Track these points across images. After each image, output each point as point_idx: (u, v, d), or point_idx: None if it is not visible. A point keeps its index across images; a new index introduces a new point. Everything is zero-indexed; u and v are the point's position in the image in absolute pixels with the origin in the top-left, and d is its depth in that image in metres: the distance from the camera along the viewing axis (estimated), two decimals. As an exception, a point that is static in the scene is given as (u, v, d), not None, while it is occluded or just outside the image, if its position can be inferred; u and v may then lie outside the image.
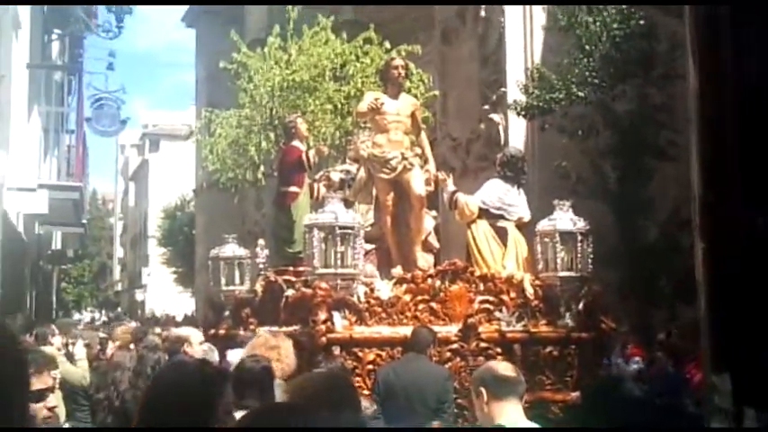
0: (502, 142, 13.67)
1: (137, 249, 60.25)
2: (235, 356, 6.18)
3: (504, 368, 3.74)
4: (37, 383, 2.59)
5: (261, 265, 11.01)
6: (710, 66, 1.09)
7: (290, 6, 15.72)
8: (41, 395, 2.59)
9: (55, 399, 2.89)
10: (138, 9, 12.15)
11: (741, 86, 1.04)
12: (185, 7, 33.92)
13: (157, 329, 15.32)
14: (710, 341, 1.05)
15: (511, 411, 3.54)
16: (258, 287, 9.32)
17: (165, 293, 45.76)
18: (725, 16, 1.07)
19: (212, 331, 9.14)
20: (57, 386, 3.68)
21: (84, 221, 15.53)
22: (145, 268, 53.57)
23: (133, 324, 17.48)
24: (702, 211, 1.08)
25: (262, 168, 15.83)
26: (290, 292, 8.02)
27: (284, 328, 7.32)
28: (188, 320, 21.84)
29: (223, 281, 9.60)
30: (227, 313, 9.44)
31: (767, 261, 0.99)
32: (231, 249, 9.78)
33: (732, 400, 0.99)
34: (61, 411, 3.38)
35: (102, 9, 12.35)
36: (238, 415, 3.78)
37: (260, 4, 23.45)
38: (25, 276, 10.77)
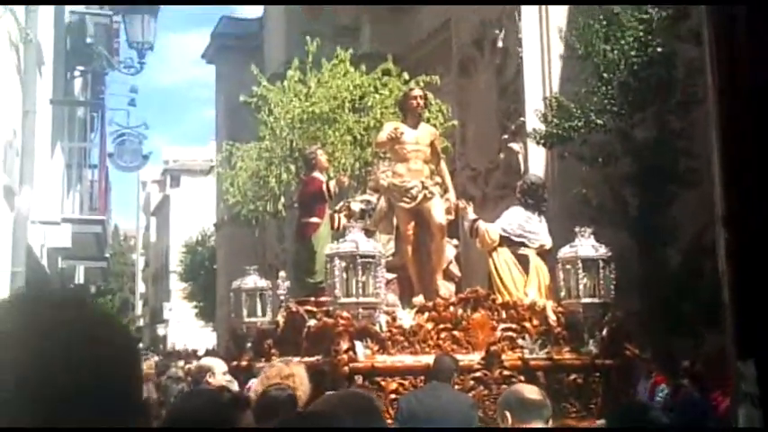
0: (521, 171, 13.68)
1: (158, 284, 60.50)
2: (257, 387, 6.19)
3: (529, 391, 3.72)
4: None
5: (282, 297, 11.03)
6: (729, 65, 1.10)
7: (308, 39, 15.88)
8: None
9: None
10: (159, 46, 12.42)
11: (760, 86, 1.05)
12: (205, 43, 34.37)
13: (180, 362, 15.36)
14: (734, 328, 1.06)
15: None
16: (280, 318, 9.34)
17: (186, 328, 45.87)
18: (742, 15, 1.08)
19: (234, 363, 9.14)
20: None
21: (107, 255, 15.65)
22: (166, 303, 53.75)
23: (156, 358, 17.52)
24: (726, 203, 1.10)
25: (282, 200, 15.93)
26: (311, 323, 8.03)
27: (306, 359, 7.31)
28: (209, 354, 21.84)
29: (245, 312, 9.62)
30: (248, 345, 9.43)
31: None
32: (253, 281, 9.82)
33: (758, 384, 1.00)
34: None
35: (123, 45, 12.56)
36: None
37: (269, 4, 23.71)
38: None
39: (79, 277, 14.63)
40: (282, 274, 13.95)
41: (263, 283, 9.99)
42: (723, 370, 9.95)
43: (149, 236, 67.59)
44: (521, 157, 14.46)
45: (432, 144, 8.80)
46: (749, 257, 1.03)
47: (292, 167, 15.47)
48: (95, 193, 11.98)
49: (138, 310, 66.47)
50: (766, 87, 1.04)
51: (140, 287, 68.24)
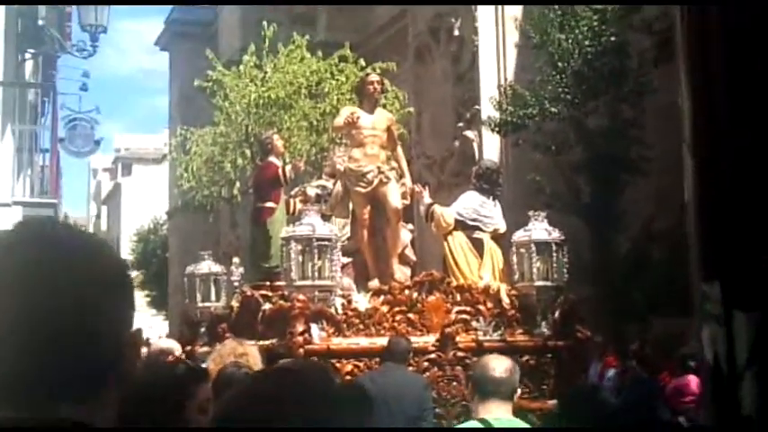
0: (476, 159, 13.79)
1: (109, 274, 59.80)
2: (210, 369, 6.19)
3: (492, 367, 3.72)
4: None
5: (236, 283, 11.02)
6: (703, 66, 1.16)
7: (265, 24, 15.82)
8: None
9: None
10: (110, 33, 12.24)
11: (734, 84, 1.11)
12: (157, 32, 34.00)
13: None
14: (700, 251, 1.11)
15: (493, 409, 3.56)
16: (234, 303, 9.34)
17: (137, 317, 45.27)
18: (716, 16, 1.13)
19: (188, 347, 9.10)
20: None
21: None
22: (117, 292, 53.17)
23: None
24: (693, 132, 1.15)
25: (238, 185, 15.87)
26: (266, 306, 8.03)
27: (261, 342, 7.32)
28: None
29: (199, 297, 9.60)
30: (203, 329, 9.40)
31: (755, 171, 1.06)
32: (207, 266, 9.80)
33: (722, 305, 1.06)
34: None
35: (75, 28, 12.38)
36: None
37: (257, 3, 23.53)
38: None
39: (30, 262, 14.37)
40: (236, 260, 13.93)
41: (217, 268, 9.97)
42: (669, 353, 10.23)
43: (100, 224, 66.72)
44: (475, 145, 14.57)
45: (388, 129, 8.84)
46: (715, 178, 1.09)
47: (248, 152, 15.43)
48: (46, 177, 11.80)
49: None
50: (741, 85, 1.10)
51: (91, 277, 67.33)
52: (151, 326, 39.81)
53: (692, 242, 1.12)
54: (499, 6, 14.76)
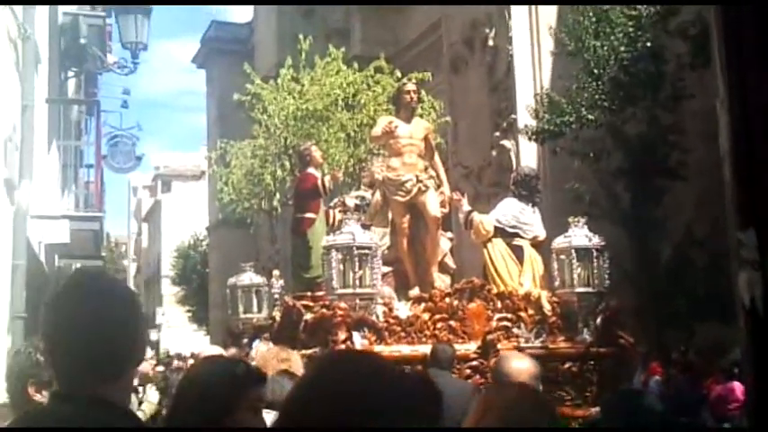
0: (513, 168, 13.78)
1: (150, 290, 60.37)
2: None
3: (510, 366, 3.71)
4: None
5: (276, 295, 11.11)
6: (738, 66, 1.18)
7: (301, 38, 15.98)
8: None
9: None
10: (146, 53, 12.41)
11: None
12: (192, 52, 34.48)
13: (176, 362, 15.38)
14: (735, 200, 1.15)
15: None
16: (276, 314, 9.41)
17: (179, 332, 45.80)
18: (750, 15, 1.15)
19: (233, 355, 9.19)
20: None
21: (104, 254, 15.64)
22: (159, 308, 53.64)
23: (153, 361, 17.55)
24: (728, 93, 1.19)
25: (277, 197, 16.01)
26: (308, 316, 8.09)
27: (303, 351, 7.37)
28: (175, 355, 21.95)
29: (241, 309, 9.68)
30: (245, 341, 9.48)
31: None
32: (249, 277, 9.88)
33: (758, 251, 1.10)
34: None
35: (115, 47, 12.61)
36: (268, 416, 3.85)
37: (267, 4, 23.79)
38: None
39: (75, 277, 14.62)
40: (276, 272, 14.05)
41: (259, 279, 10.04)
42: (713, 360, 10.13)
43: (141, 242, 67.45)
44: (513, 154, 14.57)
45: (426, 138, 8.87)
46: (748, 131, 1.13)
47: (287, 164, 15.56)
48: (90, 192, 12.02)
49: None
50: None
51: (132, 293, 67.97)
52: (192, 341, 40.22)
53: (728, 193, 1.16)
54: (533, 15, 14.77)
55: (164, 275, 50.69)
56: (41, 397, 2.57)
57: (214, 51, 33.16)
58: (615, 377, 7.94)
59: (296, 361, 5.53)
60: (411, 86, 9.05)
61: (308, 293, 8.86)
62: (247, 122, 18.86)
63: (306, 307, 8.31)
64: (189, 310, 40.63)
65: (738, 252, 1.11)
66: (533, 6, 14.76)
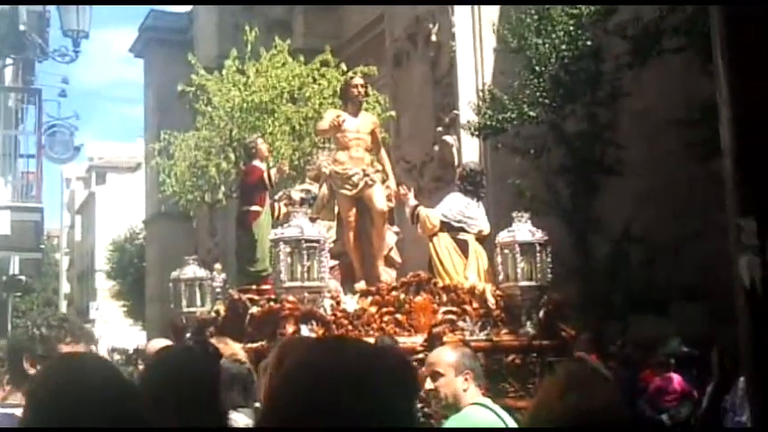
0: (455, 163, 13.92)
1: (84, 284, 59.27)
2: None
3: (469, 352, 3.86)
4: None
5: (218, 289, 11.06)
6: (740, 65, 1.26)
7: (247, 29, 15.90)
8: None
9: None
10: (83, 43, 12.12)
11: None
12: (129, 42, 33.97)
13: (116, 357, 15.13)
14: (736, 191, 1.24)
15: (477, 392, 3.64)
16: (219, 307, 9.38)
17: (114, 327, 45.08)
18: (751, 14, 1.22)
19: (176, 351, 9.12)
20: None
21: (43, 246, 15.34)
22: (93, 302, 52.73)
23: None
24: (730, 89, 1.26)
25: (222, 189, 15.93)
26: (254, 310, 8.09)
27: (250, 344, 7.37)
28: (140, 352, 21.64)
29: (184, 302, 9.62)
30: (188, 335, 9.42)
31: None
32: (192, 270, 9.83)
33: (757, 236, 1.19)
34: None
35: (54, 34, 12.37)
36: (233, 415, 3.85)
37: (257, 4, 23.59)
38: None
39: (14, 268, 14.33)
40: (218, 266, 13.97)
41: (202, 272, 10.00)
42: (649, 352, 10.40)
43: (74, 234, 66.11)
44: (455, 150, 14.70)
45: (372, 132, 8.94)
46: (748, 128, 1.21)
47: (231, 156, 15.50)
48: (28, 183, 11.77)
49: (63, 309, 64.92)
50: None
51: (65, 287, 66.70)
52: (126, 337, 39.58)
53: (728, 184, 1.25)
54: (476, 11, 14.92)
55: (98, 269, 49.80)
56: (35, 371, 2.59)
57: (152, 41, 32.67)
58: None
59: (243, 355, 5.55)
60: (359, 80, 9.12)
61: (254, 287, 8.87)
62: (187, 114, 18.67)
63: (251, 300, 8.32)
64: (124, 305, 39.99)
65: (738, 238, 1.20)
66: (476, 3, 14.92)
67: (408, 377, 1.49)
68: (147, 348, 7.21)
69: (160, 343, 7.30)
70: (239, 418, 3.98)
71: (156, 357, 2.93)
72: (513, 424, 3.51)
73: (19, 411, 2.55)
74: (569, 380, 2.07)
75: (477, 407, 3.53)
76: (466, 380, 3.58)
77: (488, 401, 3.71)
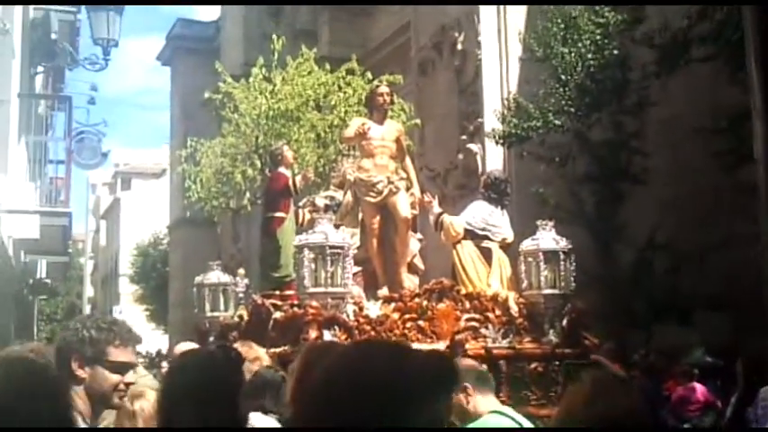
0: (480, 171, 13.94)
1: (107, 288, 59.71)
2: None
3: (477, 365, 3.89)
4: (119, 355, 2.72)
5: (241, 294, 11.13)
6: None
7: (275, 38, 16.02)
8: (122, 368, 2.74)
9: (134, 376, 3.06)
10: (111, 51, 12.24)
11: None
12: (156, 51, 34.31)
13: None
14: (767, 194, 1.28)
15: (494, 401, 3.67)
16: (242, 312, 9.44)
17: (136, 331, 45.18)
18: None
19: (200, 355, 9.18)
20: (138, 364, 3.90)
21: (71, 251, 15.49)
22: (116, 306, 53.05)
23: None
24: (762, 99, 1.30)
25: (247, 195, 16.04)
26: (277, 315, 8.14)
27: (273, 349, 7.42)
28: (162, 356, 21.79)
29: (208, 307, 9.68)
30: (212, 339, 9.48)
31: None
32: (216, 276, 9.89)
33: None
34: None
35: (85, 42, 12.54)
36: (254, 416, 3.89)
37: (258, 4, 23.78)
38: (10, 305, 10.82)
39: (41, 271, 14.51)
40: (241, 271, 14.04)
41: (226, 278, 10.06)
42: (672, 361, 10.35)
43: (99, 239, 66.66)
44: (479, 158, 14.71)
45: (397, 140, 8.96)
46: None
47: (257, 163, 15.61)
48: (56, 188, 11.94)
49: (86, 313, 65.33)
50: None
51: (89, 291, 67.21)
52: (150, 340, 39.80)
53: (762, 192, 1.28)
54: (502, 20, 14.93)
55: (121, 274, 50.17)
56: (83, 373, 2.64)
57: (179, 49, 32.99)
58: (580, 377, 8.10)
59: (265, 359, 5.59)
60: (385, 89, 9.15)
61: (277, 292, 8.92)
62: (213, 121, 18.82)
63: (274, 306, 8.36)
64: (147, 309, 40.26)
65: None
66: (502, 10, 14.94)
67: (442, 375, 1.52)
68: (174, 351, 7.27)
69: (186, 346, 7.38)
70: (258, 420, 4.01)
71: (179, 360, 2.99)
72: None
73: None
74: (595, 388, 2.09)
75: (495, 414, 3.54)
76: (468, 395, 3.58)
77: (508, 410, 3.73)
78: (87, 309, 65.39)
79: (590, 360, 8.02)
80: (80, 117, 13.57)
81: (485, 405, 3.60)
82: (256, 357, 5.49)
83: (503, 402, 7.39)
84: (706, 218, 12.62)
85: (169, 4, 30.91)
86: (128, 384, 2.79)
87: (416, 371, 1.48)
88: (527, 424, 3.54)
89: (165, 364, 15.03)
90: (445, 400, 1.53)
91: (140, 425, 3.71)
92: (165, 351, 27.35)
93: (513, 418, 3.52)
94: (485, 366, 3.95)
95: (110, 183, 63.29)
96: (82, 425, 2.62)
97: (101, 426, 3.95)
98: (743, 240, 11.21)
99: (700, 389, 9.29)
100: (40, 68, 12.52)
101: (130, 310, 46.56)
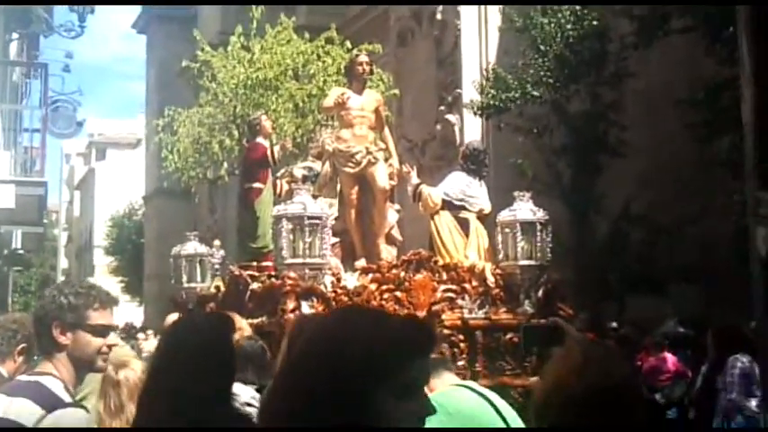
0: (458, 142, 13.93)
1: (81, 260, 59.34)
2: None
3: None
4: (99, 319, 2.71)
5: (216, 265, 11.10)
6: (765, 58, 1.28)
7: (253, 6, 15.85)
8: (104, 331, 2.72)
9: (115, 337, 3.04)
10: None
11: None
12: (131, 19, 33.85)
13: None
14: (755, 164, 1.27)
15: (452, 378, 3.56)
16: (219, 283, 9.43)
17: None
18: None
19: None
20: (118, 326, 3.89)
21: (46, 221, 15.36)
22: (90, 278, 52.81)
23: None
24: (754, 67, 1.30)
25: (225, 165, 15.95)
26: (255, 286, 8.13)
27: (250, 320, 7.42)
28: (139, 328, 21.69)
29: (185, 278, 9.64)
30: (189, 309, 9.46)
31: None
32: (193, 247, 9.84)
33: None
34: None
35: (59, 9, 12.33)
36: (238, 387, 3.88)
37: (245, 3, 23.48)
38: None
39: (16, 242, 14.37)
40: (217, 242, 14.01)
41: (203, 248, 10.02)
42: (645, 333, 10.47)
43: (73, 210, 66.10)
44: (457, 129, 14.70)
45: (376, 110, 8.91)
46: None
47: (235, 133, 15.51)
48: (31, 157, 11.79)
49: (62, 280, 64.90)
50: None
51: (63, 263, 66.75)
52: (125, 312, 39.66)
53: (748, 158, 1.28)
54: (481, -10, 14.87)
55: (96, 245, 49.86)
56: (65, 339, 2.63)
57: (155, 17, 32.55)
58: (538, 341, 8.13)
59: (246, 328, 5.59)
60: (364, 58, 9.07)
61: (254, 263, 8.91)
62: (189, 90, 18.63)
63: (252, 277, 8.35)
64: (122, 281, 40.02)
65: (757, 209, 1.23)
66: (482, -19, 14.86)
67: (420, 338, 1.54)
68: (166, 320, 7.24)
69: (176, 317, 7.37)
70: (241, 391, 4.00)
71: (176, 325, 2.95)
72: (501, 404, 3.40)
73: (44, 379, 2.60)
74: (587, 357, 2.05)
75: (457, 387, 3.45)
76: None
77: (472, 383, 3.67)
78: (61, 280, 65.07)
79: (550, 323, 8.08)
80: (55, 85, 13.40)
81: (442, 384, 3.47)
82: (239, 328, 5.49)
83: (478, 372, 7.52)
84: (683, 190, 12.71)
85: (167, 4, 30.30)
86: (110, 346, 2.78)
87: (395, 335, 1.49)
88: (494, 397, 3.44)
89: (141, 336, 14.97)
90: (423, 364, 1.54)
91: (125, 394, 3.69)
92: (140, 324, 27.25)
93: (476, 391, 3.43)
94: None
95: (84, 153, 62.65)
96: (65, 394, 2.61)
97: (83, 392, 3.95)
98: (719, 213, 11.34)
99: (671, 359, 9.41)
100: (14, 35, 12.30)
101: (105, 281, 46.20)
